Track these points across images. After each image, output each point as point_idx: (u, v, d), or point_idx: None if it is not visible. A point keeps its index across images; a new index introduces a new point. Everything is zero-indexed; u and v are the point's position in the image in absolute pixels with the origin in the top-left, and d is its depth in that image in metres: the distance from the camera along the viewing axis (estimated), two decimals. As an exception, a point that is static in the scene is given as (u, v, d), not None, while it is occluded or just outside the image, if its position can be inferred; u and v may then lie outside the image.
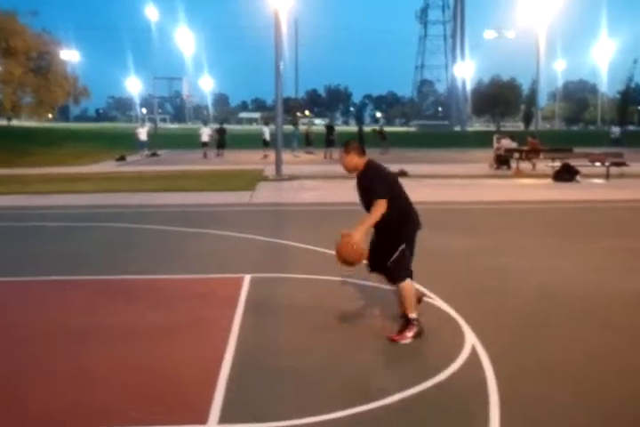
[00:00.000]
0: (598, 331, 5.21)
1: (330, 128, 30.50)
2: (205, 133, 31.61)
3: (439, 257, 7.76)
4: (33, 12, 33.41)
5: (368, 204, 4.99)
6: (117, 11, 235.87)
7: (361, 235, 4.83)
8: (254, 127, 32.53)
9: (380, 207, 4.81)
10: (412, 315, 4.92)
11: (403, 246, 4.92)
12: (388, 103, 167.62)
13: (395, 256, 4.89)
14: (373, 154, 25.31)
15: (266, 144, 30.24)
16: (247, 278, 6.73)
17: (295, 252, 8.37)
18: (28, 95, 34.12)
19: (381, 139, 33.27)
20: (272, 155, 22.25)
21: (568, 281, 6.72)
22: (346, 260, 4.91)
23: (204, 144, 31.24)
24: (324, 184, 17.58)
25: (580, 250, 8.45)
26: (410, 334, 4.87)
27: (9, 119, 46.64)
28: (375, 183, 4.94)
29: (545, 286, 6.52)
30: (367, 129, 37.78)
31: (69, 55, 36.52)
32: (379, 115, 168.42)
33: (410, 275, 5.04)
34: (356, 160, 5.07)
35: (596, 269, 7.36)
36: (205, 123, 36.85)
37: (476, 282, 6.70)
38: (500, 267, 7.38)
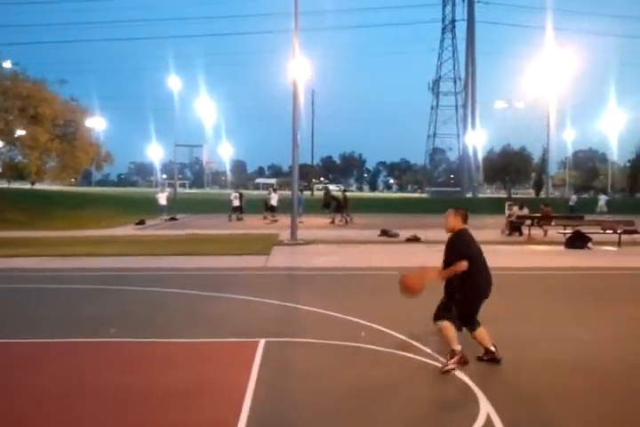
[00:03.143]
0: (619, 405, 5.19)
1: (345, 194, 31.15)
2: (237, 198, 32.99)
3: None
4: (62, 81, 34.90)
5: (449, 263, 5.87)
6: (142, 81, 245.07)
7: (436, 276, 5.82)
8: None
9: (462, 265, 5.73)
10: (454, 347, 5.80)
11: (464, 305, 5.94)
12: (401, 170, 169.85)
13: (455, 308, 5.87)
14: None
15: (273, 209, 31.37)
16: (262, 343, 6.86)
17: (310, 316, 8.51)
18: (53, 160, 35.10)
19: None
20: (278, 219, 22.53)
21: (584, 350, 6.75)
22: (407, 284, 5.89)
23: (235, 209, 32.78)
24: (339, 249, 17.82)
25: (594, 317, 8.51)
26: (452, 361, 5.76)
27: (32, 183, 47.77)
28: (462, 247, 5.91)
29: (560, 355, 6.56)
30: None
31: (95, 122, 37.79)
32: (392, 181, 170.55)
33: (459, 325, 5.93)
34: (458, 224, 6.05)
35: (612, 337, 7.40)
36: (236, 187, 38.22)
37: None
38: (514, 335, 7.41)
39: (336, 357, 6.47)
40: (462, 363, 5.81)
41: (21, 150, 32.59)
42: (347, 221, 29.66)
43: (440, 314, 5.94)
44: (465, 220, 6.10)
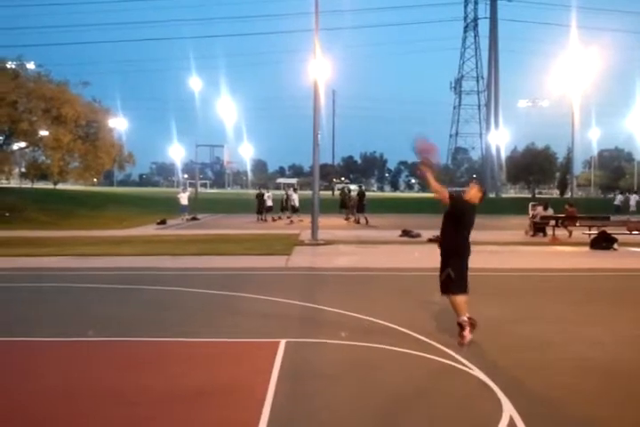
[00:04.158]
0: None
1: (362, 194, 31.15)
2: (270, 198, 32.93)
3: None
4: (84, 83, 35.32)
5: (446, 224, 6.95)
6: (164, 81, 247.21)
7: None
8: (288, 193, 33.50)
9: (444, 193, 6.56)
10: (462, 318, 6.62)
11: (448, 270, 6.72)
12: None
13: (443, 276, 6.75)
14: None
15: (295, 210, 31.34)
16: (282, 343, 6.80)
17: (331, 317, 8.43)
18: (76, 160, 35.52)
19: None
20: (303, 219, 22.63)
21: (609, 353, 6.62)
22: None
23: (269, 209, 32.61)
24: (359, 249, 17.72)
25: (619, 319, 8.31)
26: (466, 332, 6.59)
27: (55, 183, 48.34)
28: (459, 202, 6.81)
29: (585, 357, 6.43)
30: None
31: (117, 123, 38.17)
32: (413, 181, 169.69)
33: (459, 292, 6.70)
34: (475, 198, 6.89)
35: (634, 339, 7.24)
36: (268, 188, 38.26)
37: (514, 352, 6.63)
38: (535, 336, 7.30)
39: (358, 358, 6.39)
40: (472, 326, 6.68)
41: (45, 151, 33.06)
42: (358, 221, 29.63)
43: (446, 287, 6.76)
44: (481, 199, 6.88)
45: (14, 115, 30.41)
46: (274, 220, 32.27)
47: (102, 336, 7.28)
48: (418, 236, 21.25)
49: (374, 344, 6.75)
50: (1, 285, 11.26)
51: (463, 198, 6.83)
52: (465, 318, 6.66)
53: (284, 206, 33.21)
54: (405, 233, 21.83)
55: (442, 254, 6.89)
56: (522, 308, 9.10)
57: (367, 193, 32.68)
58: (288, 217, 31.94)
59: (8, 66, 32.50)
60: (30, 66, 34.00)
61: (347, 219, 31.35)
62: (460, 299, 6.72)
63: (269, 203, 33.00)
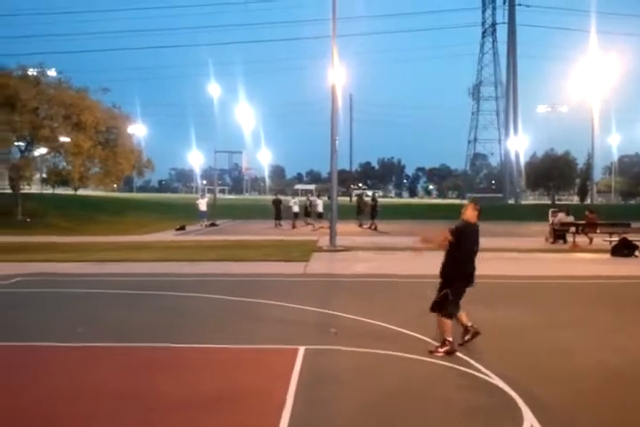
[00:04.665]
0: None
1: (374, 201, 31.12)
2: (297, 204, 32.79)
3: (496, 332, 7.64)
4: (104, 89, 35.66)
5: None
6: (182, 88, 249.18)
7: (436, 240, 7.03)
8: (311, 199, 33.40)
9: (446, 235, 6.68)
10: (447, 337, 6.62)
11: (447, 290, 6.70)
12: (441, 176, 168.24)
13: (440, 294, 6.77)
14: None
15: (319, 216, 31.14)
16: (301, 350, 6.79)
17: (350, 324, 8.38)
18: (96, 166, 35.84)
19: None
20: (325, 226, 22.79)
21: (632, 360, 6.51)
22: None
23: (296, 215, 32.42)
24: (378, 256, 17.66)
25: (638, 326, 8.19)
26: (442, 350, 6.60)
27: (76, 189, 48.74)
28: (459, 231, 6.76)
29: (607, 364, 6.34)
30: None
31: (136, 129, 38.48)
32: (431, 187, 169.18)
33: (451, 315, 6.70)
34: (472, 217, 6.91)
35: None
36: (294, 195, 38.02)
37: (534, 359, 6.56)
38: (558, 343, 7.21)
39: (374, 365, 6.35)
40: (450, 353, 6.59)
41: (65, 157, 33.39)
42: (375, 228, 29.61)
43: (438, 306, 6.77)
44: (478, 216, 6.90)
45: (36, 121, 30.80)
46: (294, 227, 31.53)
47: (119, 342, 7.32)
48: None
49: (391, 351, 6.70)
50: (26, 290, 11.37)
51: (462, 223, 6.83)
52: (450, 339, 6.66)
53: (307, 212, 33.09)
54: (424, 239, 21.67)
55: (441, 276, 6.91)
56: (543, 315, 8.99)
57: (384, 199, 32.61)
58: (309, 223, 31.80)
59: (29, 73, 32.93)
60: (51, 73, 34.39)
61: (360, 225, 31.22)
62: (448, 321, 6.73)
63: (295, 209, 32.71)
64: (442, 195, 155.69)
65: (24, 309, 9.52)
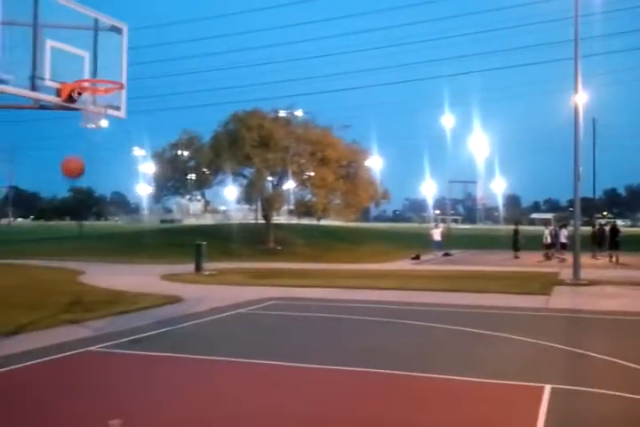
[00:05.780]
0: None
1: (615, 230, 28.37)
2: (565, 235, 29.82)
3: None
4: (345, 126, 38.03)
5: None
6: (416, 120, 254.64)
7: None
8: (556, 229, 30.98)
9: None
10: None
11: None
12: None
13: None
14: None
15: (564, 247, 28.95)
16: (547, 389, 6.54)
17: (600, 365, 7.87)
18: (338, 198, 38.12)
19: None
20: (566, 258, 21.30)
21: None
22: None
23: (548, 246, 30.45)
24: (628, 291, 16.19)
25: None
26: None
27: (318, 219, 52.16)
28: None
29: None
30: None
31: (373, 162, 40.19)
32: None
33: None
34: None
35: None
36: (546, 224, 36.08)
37: None
38: None
39: (634, 412, 5.88)
40: None
41: (311, 190, 36.11)
42: (617, 260, 26.96)
43: None
44: None
45: (286, 158, 33.94)
46: (549, 258, 29.77)
47: (355, 366, 7.66)
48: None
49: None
50: (278, 313, 12.57)
51: None
52: None
53: (551, 243, 30.99)
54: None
55: None
56: None
57: (631, 229, 29.56)
58: (551, 255, 29.88)
59: (280, 114, 36.52)
60: (298, 113, 37.72)
61: (594, 257, 28.39)
62: None
63: (563, 239, 30.35)
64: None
65: (273, 330, 10.56)
